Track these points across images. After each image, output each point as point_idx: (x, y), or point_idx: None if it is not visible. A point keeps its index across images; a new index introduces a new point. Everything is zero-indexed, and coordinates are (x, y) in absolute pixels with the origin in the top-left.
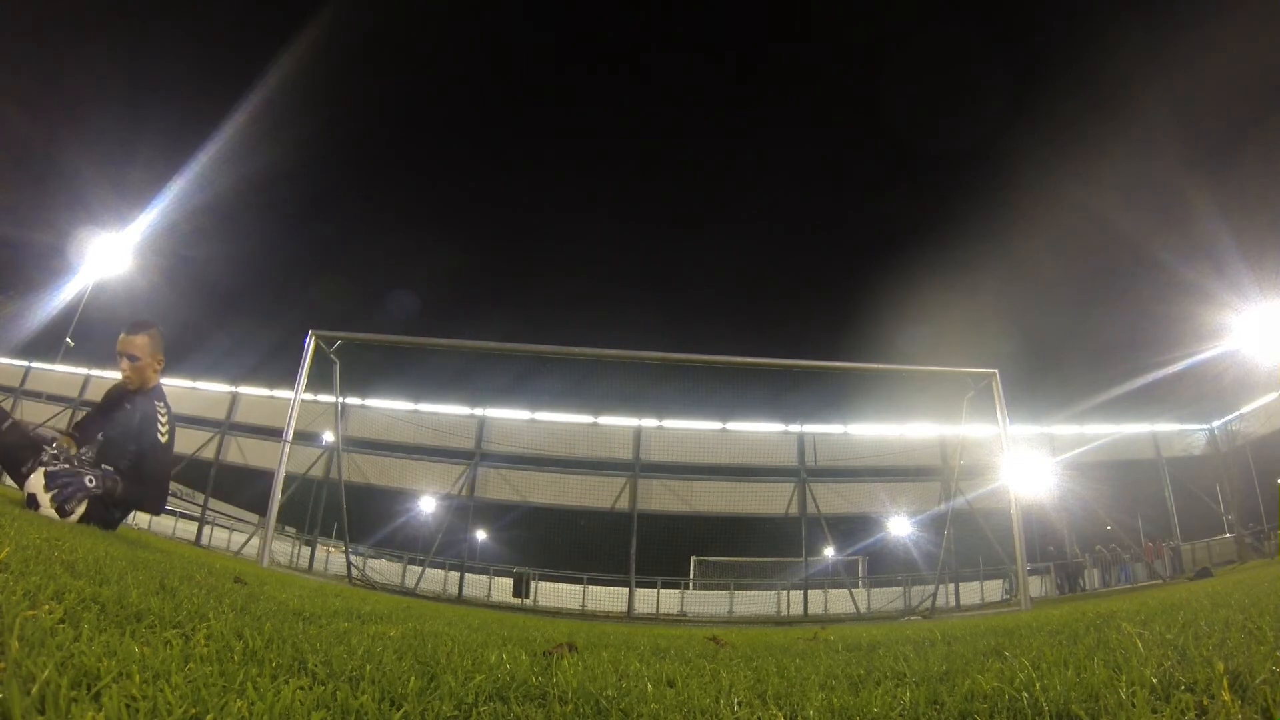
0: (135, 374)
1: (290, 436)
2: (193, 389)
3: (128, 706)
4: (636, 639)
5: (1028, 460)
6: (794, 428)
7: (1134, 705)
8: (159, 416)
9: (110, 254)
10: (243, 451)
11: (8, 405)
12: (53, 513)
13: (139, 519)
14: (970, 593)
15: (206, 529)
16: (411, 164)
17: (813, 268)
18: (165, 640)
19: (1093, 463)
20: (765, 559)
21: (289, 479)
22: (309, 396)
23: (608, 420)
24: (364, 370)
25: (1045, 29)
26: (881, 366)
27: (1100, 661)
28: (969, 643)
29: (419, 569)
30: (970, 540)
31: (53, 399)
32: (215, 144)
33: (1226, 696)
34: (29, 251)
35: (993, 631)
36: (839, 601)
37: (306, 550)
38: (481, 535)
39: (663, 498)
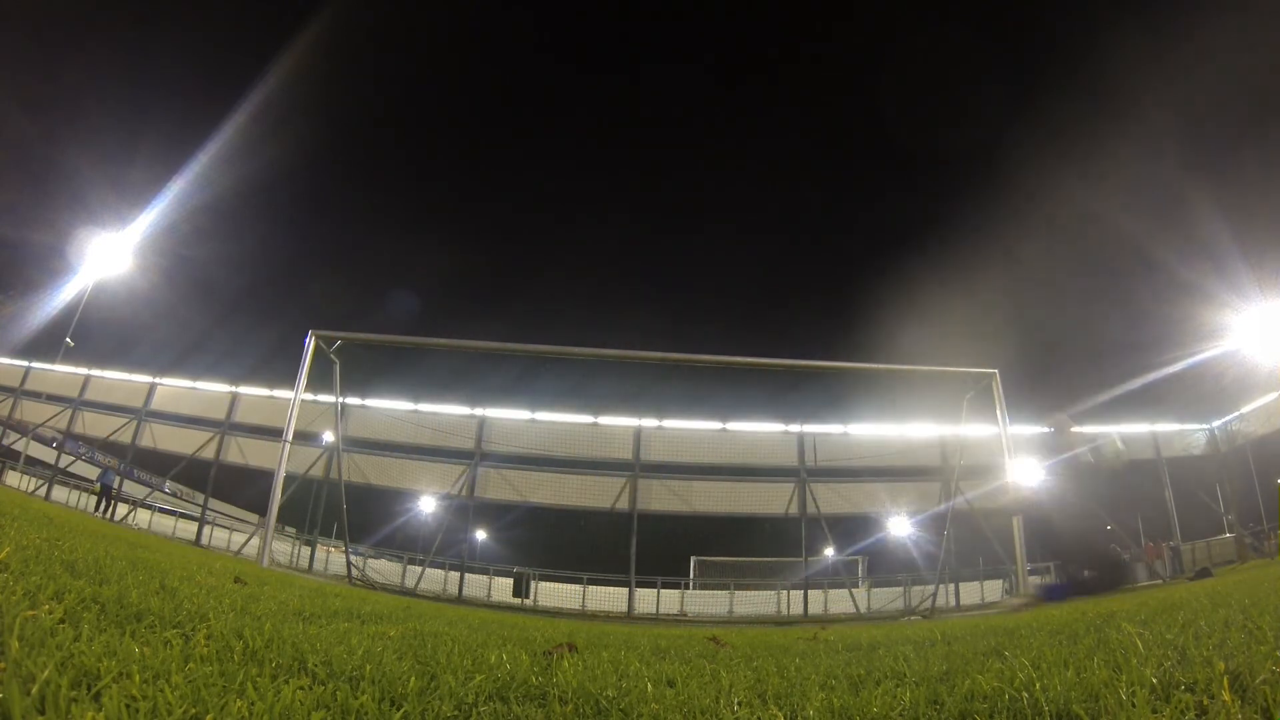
0: None
1: (290, 436)
2: (193, 389)
3: (128, 706)
4: (636, 639)
5: (1027, 460)
6: (794, 428)
7: (1134, 705)
8: None
9: (110, 254)
10: (243, 451)
11: (7, 406)
12: None
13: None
14: (970, 593)
15: (206, 529)
16: (412, 164)
17: (813, 268)
18: (165, 640)
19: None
20: (765, 559)
21: (289, 479)
22: (309, 396)
23: (608, 420)
24: (364, 370)
25: (1046, 30)
26: (881, 366)
27: (1100, 661)
28: (969, 643)
29: (419, 569)
30: (970, 540)
31: (53, 399)
32: (215, 144)
33: (1226, 696)
34: (29, 251)
35: (993, 631)
36: (839, 601)
37: (306, 550)
38: (481, 535)
39: (663, 498)
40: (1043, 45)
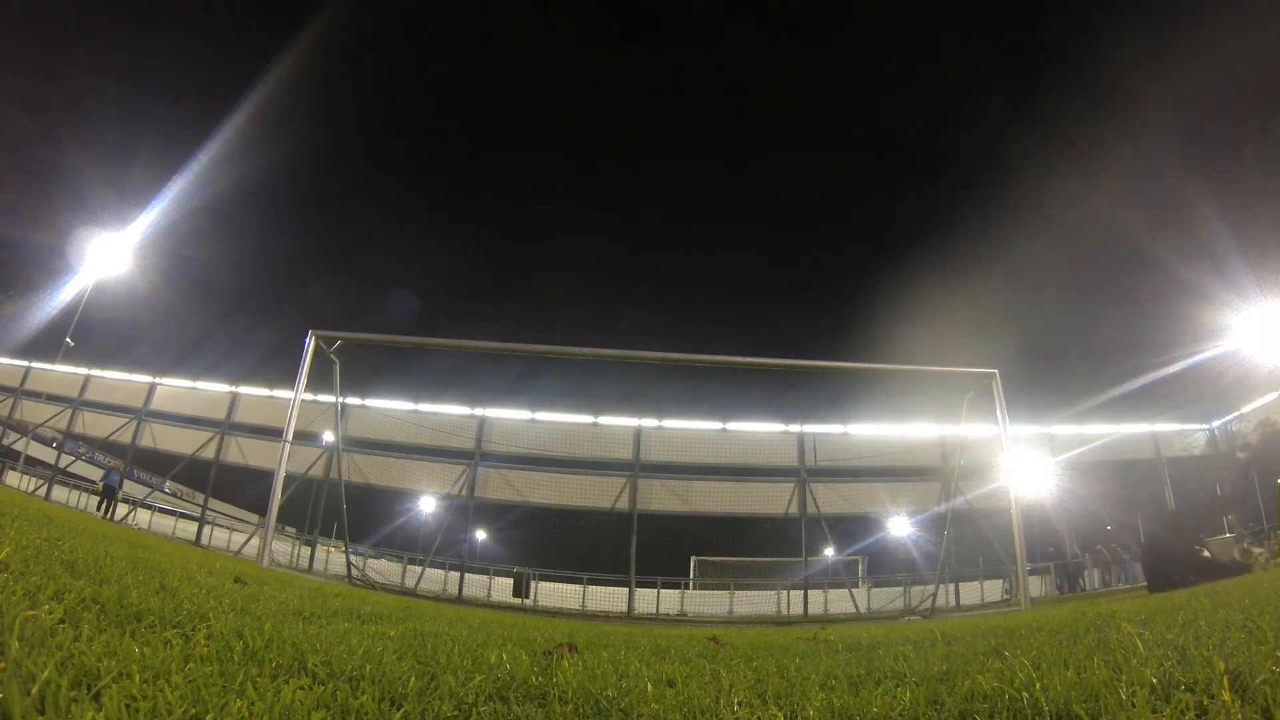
0: None
1: (290, 436)
2: (193, 389)
3: (128, 706)
4: (636, 639)
5: (1028, 460)
6: (794, 428)
7: (1134, 705)
8: None
9: (110, 254)
10: (243, 451)
11: (7, 406)
12: None
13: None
14: (970, 593)
15: (206, 529)
16: (412, 164)
17: (813, 268)
18: (165, 640)
19: (1093, 463)
20: (765, 559)
21: (289, 479)
22: (309, 396)
23: (608, 420)
24: (364, 370)
25: (1046, 29)
26: (881, 366)
27: (1100, 661)
28: (969, 643)
29: (419, 569)
30: (970, 540)
31: (53, 399)
32: (215, 144)
33: (1226, 696)
34: (29, 251)
35: (993, 631)
36: (839, 601)
37: (306, 550)
38: (481, 535)
39: (663, 498)
40: (1043, 45)
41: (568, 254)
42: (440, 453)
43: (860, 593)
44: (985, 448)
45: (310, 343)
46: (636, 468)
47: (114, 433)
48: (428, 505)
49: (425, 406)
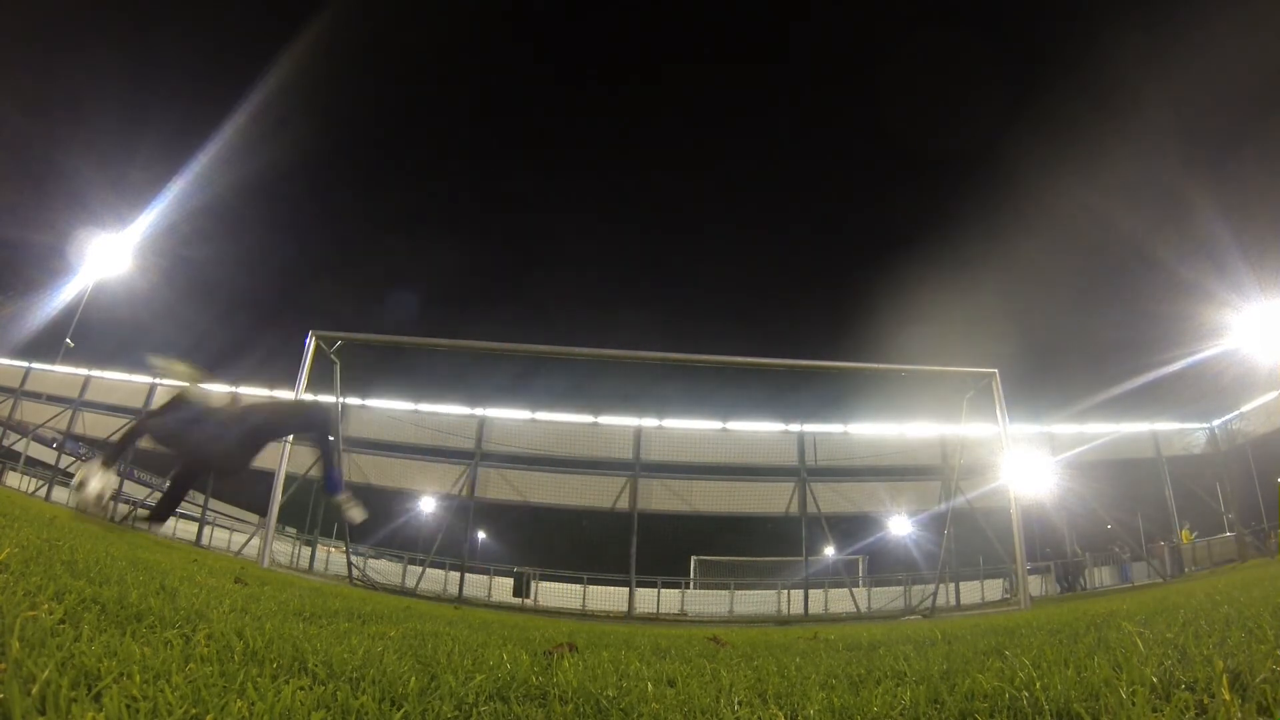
0: None
1: (291, 436)
2: None
3: (128, 706)
4: (637, 639)
5: (1028, 460)
6: (794, 427)
7: (1134, 704)
8: None
9: (110, 254)
10: None
11: (7, 406)
12: None
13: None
14: (970, 592)
15: (207, 529)
16: (412, 164)
17: (813, 268)
18: (166, 640)
19: (1093, 462)
20: (765, 559)
21: (289, 479)
22: (309, 397)
23: (608, 420)
24: (364, 370)
25: (1045, 29)
26: (881, 366)
27: (1101, 660)
28: (969, 642)
29: (419, 569)
30: (970, 540)
31: (53, 399)
32: (215, 144)
33: (1226, 695)
34: (29, 251)
35: (993, 630)
36: (839, 601)
37: (307, 550)
38: (482, 535)
39: (663, 498)
40: (1043, 45)
41: (567, 254)
42: (440, 453)
43: (860, 592)
44: (985, 447)
45: (311, 343)
46: (636, 467)
47: (114, 433)
48: (428, 505)
49: (425, 406)
